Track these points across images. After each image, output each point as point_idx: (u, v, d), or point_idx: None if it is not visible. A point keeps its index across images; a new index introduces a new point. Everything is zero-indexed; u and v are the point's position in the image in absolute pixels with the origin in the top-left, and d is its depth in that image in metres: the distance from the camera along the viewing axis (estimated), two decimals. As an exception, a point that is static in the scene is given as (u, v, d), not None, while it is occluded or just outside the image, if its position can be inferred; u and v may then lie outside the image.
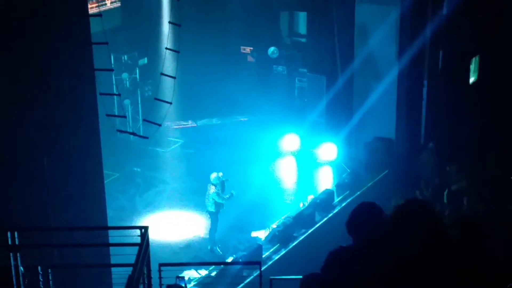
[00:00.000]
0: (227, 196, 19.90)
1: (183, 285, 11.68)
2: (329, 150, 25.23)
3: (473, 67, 26.39)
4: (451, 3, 23.90)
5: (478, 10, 24.63)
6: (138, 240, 9.86)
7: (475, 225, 5.98)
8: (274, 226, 20.80)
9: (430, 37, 23.59)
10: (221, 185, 20.00)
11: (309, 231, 20.82)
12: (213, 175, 19.95)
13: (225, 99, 27.72)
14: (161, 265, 11.49)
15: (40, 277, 10.49)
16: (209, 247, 20.25)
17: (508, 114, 24.11)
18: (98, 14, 15.61)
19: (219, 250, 20.13)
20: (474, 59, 26.32)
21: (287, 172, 25.57)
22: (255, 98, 28.13)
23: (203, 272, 18.60)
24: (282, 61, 28.60)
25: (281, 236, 20.34)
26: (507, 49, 26.16)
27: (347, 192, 22.86)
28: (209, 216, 20.22)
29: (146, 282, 10.02)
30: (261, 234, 20.77)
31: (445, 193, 21.36)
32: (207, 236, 20.49)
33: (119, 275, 9.84)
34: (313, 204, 21.74)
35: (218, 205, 19.90)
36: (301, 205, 22.07)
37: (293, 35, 29.12)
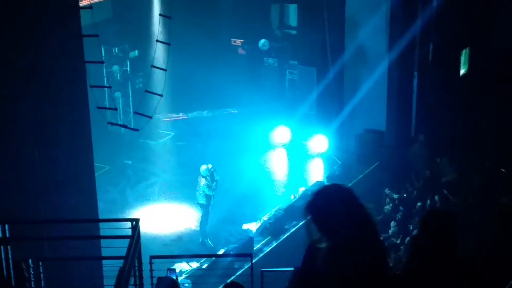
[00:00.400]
0: (214, 184, 19.89)
1: (174, 277, 11.68)
2: (320, 142, 25.27)
3: (463, 58, 26.44)
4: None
5: (468, 1, 24.66)
6: (129, 232, 9.85)
7: (445, 216, 5.97)
8: (265, 218, 20.84)
9: (420, 28, 23.60)
10: (211, 176, 20.02)
11: (300, 223, 20.83)
12: (203, 167, 19.97)
13: (216, 91, 27.70)
14: (152, 257, 11.49)
15: (31, 270, 10.48)
16: (200, 240, 20.27)
17: (499, 106, 24.16)
18: (89, 7, 15.56)
19: (210, 243, 20.15)
20: (464, 51, 26.36)
21: (278, 164, 25.59)
22: (246, 90, 28.11)
23: (194, 264, 18.63)
24: (273, 53, 28.58)
25: (272, 228, 20.38)
26: (497, 41, 26.21)
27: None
28: (200, 208, 20.24)
29: (137, 274, 10.02)
30: (252, 227, 20.80)
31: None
32: (198, 229, 20.51)
33: (110, 268, 9.82)
34: (304, 196, 21.75)
35: (208, 197, 19.92)
36: (292, 197, 22.11)
37: (284, 27, 29.08)
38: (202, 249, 19.73)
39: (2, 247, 9.79)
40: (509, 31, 25.79)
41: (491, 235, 17.21)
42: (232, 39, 29.43)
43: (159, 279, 10.15)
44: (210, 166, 20.07)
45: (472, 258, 5.96)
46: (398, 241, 18.87)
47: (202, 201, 19.95)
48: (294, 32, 28.65)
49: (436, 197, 20.38)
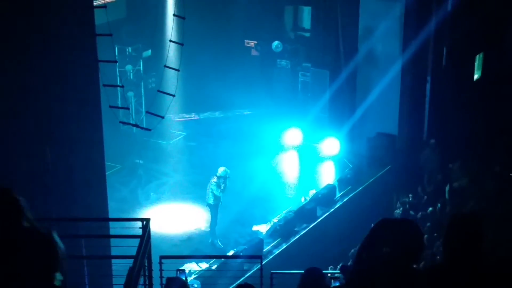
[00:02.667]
0: (223, 186, 19.85)
1: (184, 278, 11.68)
2: (331, 145, 25.22)
3: (477, 64, 26.36)
4: (456, -1, 23.91)
5: (482, 6, 24.58)
6: (139, 232, 9.87)
7: (472, 220, 5.98)
8: (275, 220, 20.82)
9: (434, 33, 23.57)
10: (225, 179, 19.98)
11: (311, 226, 20.83)
12: (221, 169, 19.96)
13: (228, 92, 27.68)
14: (162, 257, 11.50)
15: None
16: (210, 241, 20.27)
17: (511, 111, 24.08)
18: (103, 6, 15.60)
19: (220, 244, 20.14)
20: (478, 56, 26.28)
21: (289, 166, 25.57)
22: (258, 92, 28.12)
23: (204, 265, 18.63)
24: (286, 55, 28.56)
25: (282, 231, 20.35)
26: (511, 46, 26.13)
27: (349, 187, 22.86)
28: (209, 209, 20.23)
29: (147, 274, 10.04)
30: (262, 228, 20.79)
31: (447, 189, 21.35)
32: (208, 229, 20.50)
33: (120, 267, 9.84)
34: (315, 198, 21.75)
35: (217, 198, 19.90)
36: (302, 199, 22.08)
37: (297, 29, 29.07)
38: (212, 250, 19.73)
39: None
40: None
41: (504, 239, 17.14)
42: (246, 41, 29.42)
43: (168, 279, 10.15)
44: (228, 171, 20.05)
45: (501, 260, 5.97)
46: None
47: (210, 201, 19.95)
48: (307, 34, 28.63)
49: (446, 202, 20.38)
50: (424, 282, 5.78)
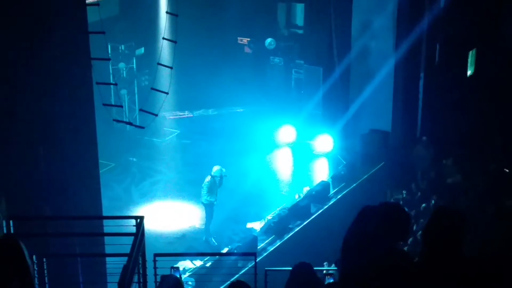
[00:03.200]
0: (216, 187, 19.89)
1: (178, 275, 11.67)
2: (325, 142, 25.25)
3: (470, 60, 26.38)
4: (449, -5, 23.93)
5: (475, 2, 24.61)
6: (133, 230, 9.86)
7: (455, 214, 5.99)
8: (269, 217, 20.83)
9: (427, 29, 23.57)
10: (220, 179, 20.00)
11: (305, 223, 20.84)
12: (216, 168, 19.99)
13: (222, 90, 27.68)
14: (156, 255, 11.48)
15: (35, 266, 10.49)
16: (204, 238, 20.27)
17: (505, 108, 24.11)
18: (96, 4, 15.58)
19: (214, 241, 20.15)
20: (471, 52, 26.30)
21: (283, 163, 25.57)
22: (252, 89, 28.12)
23: (198, 262, 18.62)
24: (279, 53, 28.58)
25: (276, 228, 20.36)
26: (504, 42, 26.15)
27: (343, 184, 22.89)
28: (204, 207, 20.24)
29: (141, 272, 10.03)
30: (256, 226, 20.79)
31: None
32: (203, 227, 20.51)
33: (114, 265, 9.83)
34: (308, 195, 21.76)
35: (210, 197, 19.91)
36: (296, 196, 22.09)
37: (291, 26, 29.09)
38: (206, 248, 19.72)
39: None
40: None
41: (495, 236, 17.16)
42: (239, 38, 29.43)
43: (163, 277, 10.14)
44: (224, 169, 20.07)
45: (480, 258, 5.97)
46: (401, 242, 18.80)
47: (204, 200, 19.97)
48: (300, 31, 28.66)
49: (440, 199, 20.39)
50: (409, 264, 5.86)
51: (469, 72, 26.49)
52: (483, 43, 26.22)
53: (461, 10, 24.07)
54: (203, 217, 20.46)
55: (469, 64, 26.37)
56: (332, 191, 22.50)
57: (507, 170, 21.48)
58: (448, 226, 5.84)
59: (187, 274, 17.90)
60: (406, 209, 19.82)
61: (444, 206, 6.47)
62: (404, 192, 21.40)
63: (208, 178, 19.88)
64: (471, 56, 26.37)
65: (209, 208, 20.06)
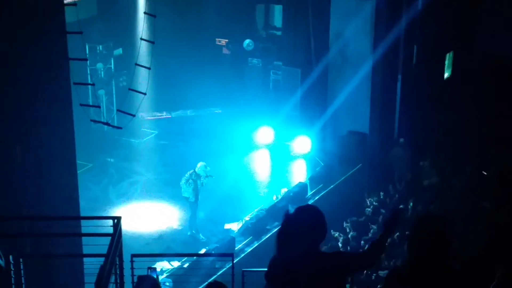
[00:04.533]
0: (196, 184, 19.97)
1: (155, 276, 11.67)
2: (303, 143, 25.30)
3: (447, 62, 26.55)
4: (426, -3, 24.08)
5: (452, 5, 24.78)
6: (111, 230, 9.84)
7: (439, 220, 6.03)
8: (247, 218, 20.85)
9: (404, 31, 23.70)
10: (199, 178, 20.04)
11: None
12: (201, 164, 20.06)
13: (200, 90, 27.66)
14: (133, 256, 11.47)
15: (11, 266, 10.44)
16: (188, 233, 20.32)
17: (481, 110, 24.29)
18: (73, 3, 15.52)
19: (202, 237, 20.21)
20: (448, 54, 26.47)
21: (261, 164, 25.60)
22: (230, 90, 28.14)
23: (176, 263, 18.61)
24: (257, 54, 28.60)
25: (254, 229, 20.38)
26: (481, 45, 26.36)
27: (321, 185, 22.93)
28: (186, 201, 20.30)
29: (118, 272, 10.01)
30: (234, 227, 20.81)
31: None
32: (185, 224, 20.53)
33: (92, 265, 9.81)
34: (286, 197, 21.79)
35: (196, 192, 19.96)
36: (274, 198, 22.12)
37: (269, 28, 29.12)
38: (184, 248, 19.68)
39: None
40: (491, 35, 25.95)
41: (472, 238, 17.28)
42: (217, 39, 29.42)
43: (140, 277, 10.13)
44: (208, 168, 20.15)
45: (462, 270, 6.03)
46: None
47: (185, 194, 20.03)
48: (278, 33, 28.69)
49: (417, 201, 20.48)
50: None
51: (446, 74, 26.66)
52: (460, 45, 26.41)
53: (439, 13, 24.22)
54: (186, 212, 20.50)
55: (446, 67, 26.54)
56: (310, 193, 22.55)
57: (485, 173, 21.63)
58: (433, 233, 5.87)
59: (165, 275, 17.88)
60: (383, 211, 19.83)
61: (428, 213, 6.58)
62: (381, 193, 21.49)
63: (190, 172, 19.99)
64: (448, 59, 26.55)
65: (194, 204, 20.12)
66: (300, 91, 25.95)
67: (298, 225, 6.24)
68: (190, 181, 19.97)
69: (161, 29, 21.39)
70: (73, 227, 12.62)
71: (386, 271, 16.21)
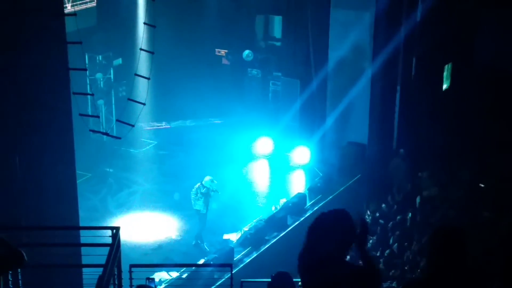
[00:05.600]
0: (203, 197, 20.10)
1: (153, 286, 11.66)
2: (302, 154, 25.31)
3: (446, 74, 26.57)
4: (425, 9, 24.09)
5: (451, 16, 24.82)
6: (109, 240, 9.84)
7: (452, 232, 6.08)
8: (246, 229, 20.84)
9: (403, 42, 23.72)
10: (208, 191, 20.17)
11: (281, 235, 20.85)
12: (208, 178, 20.19)
13: (199, 101, 27.70)
14: (131, 266, 11.46)
15: (10, 277, 10.43)
16: (193, 243, 20.41)
17: (479, 121, 24.30)
18: (73, 14, 15.55)
19: (206, 247, 20.25)
20: (447, 66, 26.50)
21: (260, 175, 25.61)
22: (229, 100, 28.14)
23: (174, 274, 18.58)
24: (257, 64, 28.64)
25: (252, 239, 20.37)
26: (479, 57, 26.39)
27: (320, 196, 22.92)
28: (198, 215, 20.41)
29: (116, 283, 10.00)
30: (233, 237, 20.80)
31: (417, 200, 21.48)
32: (192, 234, 20.64)
33: (90, 275, 9.81)
34: (285, 207, 21.78)
35: (206, 204, 20.06)
36: (273, 208, 22.12)
37: (268, 38, 29.17)
38: (182, 259, 19.70)
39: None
40: (490, 47, 25.99)
41: (471, 248, 17.28)
42: (216, 49, 29.48)
43: (139, 287, 10.12)
44: (215, 182, 20.30)
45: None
46: (378, 254, 18.91)
47: (197, 207, 20.14)
48: (278, 43, 28.74)
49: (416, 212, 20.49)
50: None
51: (444, 86, 26.68)
52: (459, 57, 26.44)
53: (437, 24, 24.26)
54: (193, 223, 20.75)
55: (444, 78, 26.56)
56: (308, 203, 22.54)
57: (482, 185, 21.63)
58: (452, 244, 5.93)
59: (163, 285, 17.86)
60: (382, 221, 19.78)
61: (443, 225, 6.59)
62: (381, 204, 21.48)
63: (197, 185, 20.10)
64: (447, 70, 26.57)
65: (202, 216, 20.24)
66: (299, 101, 25.97)
67: (332, 228, 6.20)
68: (199, 194, 20.10)
69: (160, 39, 21.44)
70: (72, 237, 12.62)
71: (387, 282, 16.22)
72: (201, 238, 20.56)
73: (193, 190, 20.28)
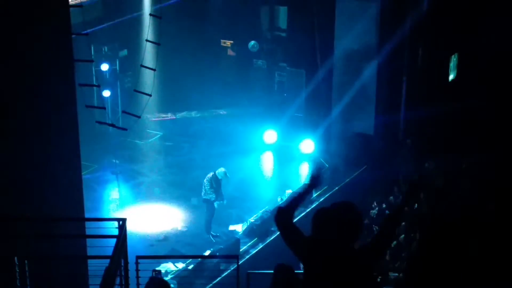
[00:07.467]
0: (212, 189, 20.06)
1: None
2: (307, 145, 25.28)
3: (452, 64, 26.49)
4: (431, -1, 24.05)
5: (457, 6, 24.73)
6: (116, 232, 9.83)
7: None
8: (252, 220, 20.83)
9: (409, 33, 23.67)
10: (220, 183, 20.14)
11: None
12: (222, 169, 20.15)
13: (205, 92, 27.69)
14: (138, 257, 11.46)
15: (17, 268, 10.44)
16: (207, 235, 20.46)
17: (486, 111, 24.22)
18: (79, 5, 15.53)
19: (212, 238, 20.21)
20: (453, 56, 26.42)
21: (265, 166, 25.59)
22: (235, 91, 28.13)
23: (180, 265, 18.60)
24: (262, 55, 28.60)
25: (259, 230, 20.37)
26: (485, 47, 26.29)
27: (325, 187, 22.89)
28: (207, 205, 20.36)
29: (123, 274, 10.00)
30: (239, 228, 20.80)
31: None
32: (203, 225, 20.61)
33: (96, 267, 9.80)
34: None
35: (217, 195, 20.05)
36: (279, 199, 22.10)
37: (274, 29, 29.09)
38: (188, 250, 19.70)
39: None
40: (497, 37, 25.88)
41: (476, 239, 17.24)
42: (222, 40, 29.43)
43: (151, 278, 10.11)
44: (228, 175, 20.36)
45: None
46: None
47: (205, 195, 20.09)
48: (283, 34, 28.66)
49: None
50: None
51: (451, 76, 26.61)
52: (465, 47, 26.34)
53: (444, 14, 24.17)
54: (201, 214, 20.74)
55: (451, 68, 26.48)
56: (314, 194, 22.51)
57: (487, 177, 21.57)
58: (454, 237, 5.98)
59: (169, 276, 17.87)
60: (388, 212, 19.82)
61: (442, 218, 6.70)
62: (387, 195, 21.44)
63: (210, 174, 20.04)
64: (453, 60, 26.49)
65: (210, 204, 20.17)
66: (305, 92, 25.94)
67: (337, 222, 6.27)
68: (214, 185, 20.04)
69: (166, 30, 21.40)
70: (78, 228, 12.62)
71: (395, 273, 16.19)
72: (209, 228, 20.49)
73: (207, 179, 20.16)
